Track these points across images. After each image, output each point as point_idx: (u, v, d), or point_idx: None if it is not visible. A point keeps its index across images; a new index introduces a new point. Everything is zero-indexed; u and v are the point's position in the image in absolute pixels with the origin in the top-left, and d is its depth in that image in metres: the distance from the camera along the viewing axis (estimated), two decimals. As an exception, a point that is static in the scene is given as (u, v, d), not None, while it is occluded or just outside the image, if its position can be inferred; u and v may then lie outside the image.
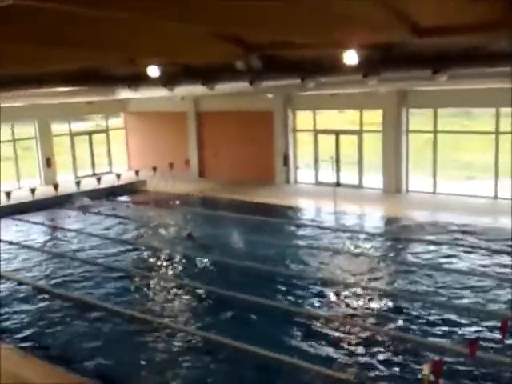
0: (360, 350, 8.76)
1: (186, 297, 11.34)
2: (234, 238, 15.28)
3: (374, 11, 7.61)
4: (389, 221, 16.30)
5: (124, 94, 18.77)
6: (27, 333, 9.86)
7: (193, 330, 9.64)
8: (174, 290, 11.67)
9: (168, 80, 15.78)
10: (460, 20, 8.18)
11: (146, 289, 11.88)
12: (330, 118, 21.87)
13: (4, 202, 19.15)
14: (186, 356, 8.78)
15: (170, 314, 10.44)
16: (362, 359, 8.47)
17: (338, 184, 19.98)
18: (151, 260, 13.84)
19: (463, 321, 9.56)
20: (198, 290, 11.53)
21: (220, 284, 11.58)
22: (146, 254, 14.34)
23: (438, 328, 9.35)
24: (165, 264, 13.45)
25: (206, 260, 13.48)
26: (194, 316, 10.41)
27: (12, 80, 14.76)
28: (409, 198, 19.11)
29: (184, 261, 13.67)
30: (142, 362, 8.63)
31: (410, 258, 13.08)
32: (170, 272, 12.93)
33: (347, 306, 10.44)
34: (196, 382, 8.15)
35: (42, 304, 11.20)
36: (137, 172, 23.25)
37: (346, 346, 8.86)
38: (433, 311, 10.02)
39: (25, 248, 15.09)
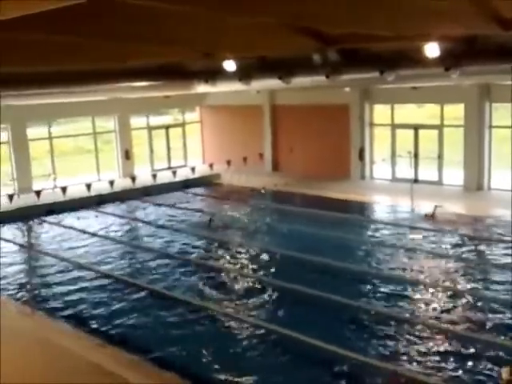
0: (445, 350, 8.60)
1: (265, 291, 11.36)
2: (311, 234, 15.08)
3: (458, 3, 7.28)
4: (472, 220, 15.63)
5: (201, 88, 18.89)
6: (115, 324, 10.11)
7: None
8: (256, 286, 11.70)
9: (244, 74, 15.75)
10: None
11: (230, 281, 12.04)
12: (408, 112, 21.28)
13: (85, 193, 19.72)
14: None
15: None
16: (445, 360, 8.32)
17: (415, 180, 19.39)
18: (231, 254, 13.94)
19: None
20: (279, 286, 11.45)
21: (300, 281, 11.32)
22: (222, 247, 14.46)
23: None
24: (240, 257, 13.55)
25: (279, 254, 13.50)
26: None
27: (93, 75, 15.15)
28: (491, 195, 18.36)
29: (258, 254, 13.70)
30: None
31: (497, 260, 12.52)
32: (246, 266, 12.99)
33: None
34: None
35: (116, 292, 11.56)
36: (211, 165, 23.42)
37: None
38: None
39: (102, 238, 15.54)
